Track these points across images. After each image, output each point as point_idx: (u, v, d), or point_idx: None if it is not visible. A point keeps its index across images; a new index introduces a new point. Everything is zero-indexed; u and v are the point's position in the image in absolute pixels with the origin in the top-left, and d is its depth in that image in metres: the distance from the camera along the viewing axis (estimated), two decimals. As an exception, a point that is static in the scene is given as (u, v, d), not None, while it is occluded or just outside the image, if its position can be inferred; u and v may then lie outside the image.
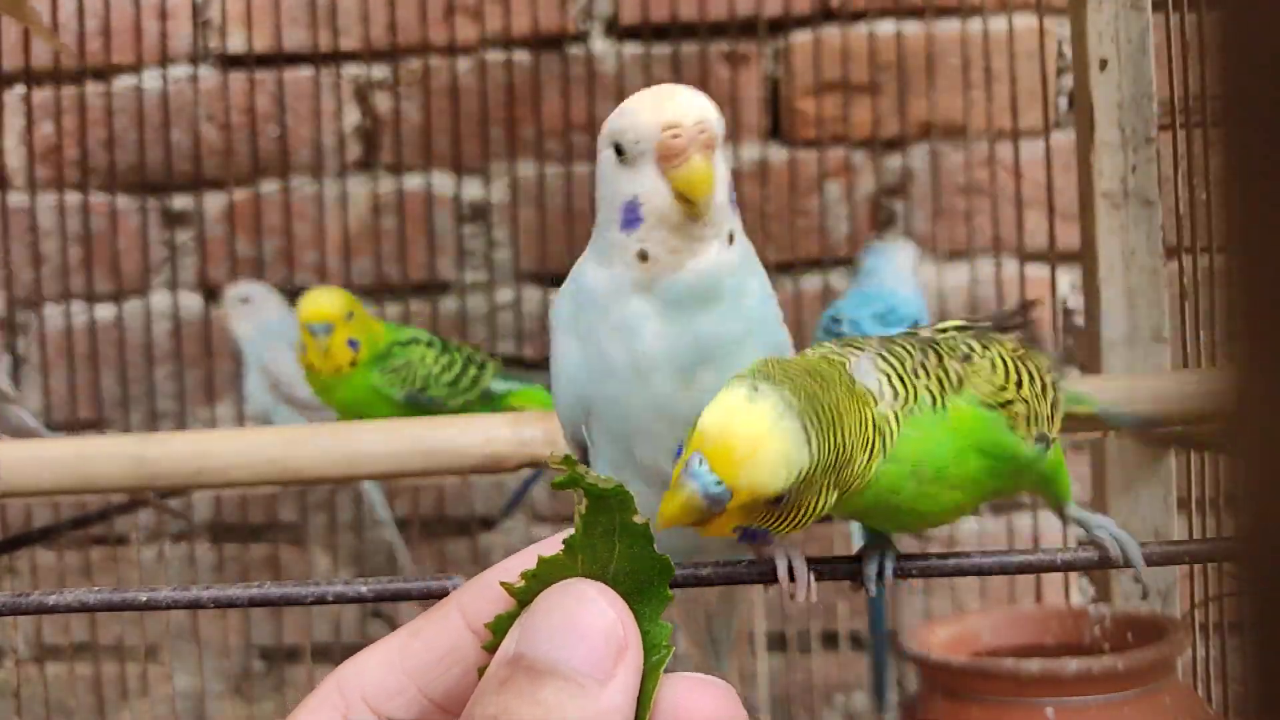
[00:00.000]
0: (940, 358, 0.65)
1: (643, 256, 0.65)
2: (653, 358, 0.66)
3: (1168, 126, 1.02)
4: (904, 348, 0.66)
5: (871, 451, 0.62)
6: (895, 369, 0.64)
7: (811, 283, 1.43)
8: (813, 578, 0.69)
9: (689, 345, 0.65)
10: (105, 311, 1.46)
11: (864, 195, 1.44)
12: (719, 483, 0.58)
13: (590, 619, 0.35)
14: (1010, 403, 0.66)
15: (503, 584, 0.37)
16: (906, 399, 0.64)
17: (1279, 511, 0.15)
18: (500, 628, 0.37)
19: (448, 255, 1.45)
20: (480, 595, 0.37)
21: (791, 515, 0.60)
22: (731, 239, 0.66)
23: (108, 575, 1.39)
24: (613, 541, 0.37)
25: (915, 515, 0.66)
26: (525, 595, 0.36)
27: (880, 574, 0.69)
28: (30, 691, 1.41)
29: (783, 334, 0.70)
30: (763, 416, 0.58)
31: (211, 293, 1.47)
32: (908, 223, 1.44)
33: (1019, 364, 0.68)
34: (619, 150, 0.65)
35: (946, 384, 0.65)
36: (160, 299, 1.46)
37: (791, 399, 0.59)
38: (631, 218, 0.65)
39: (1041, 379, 0.69)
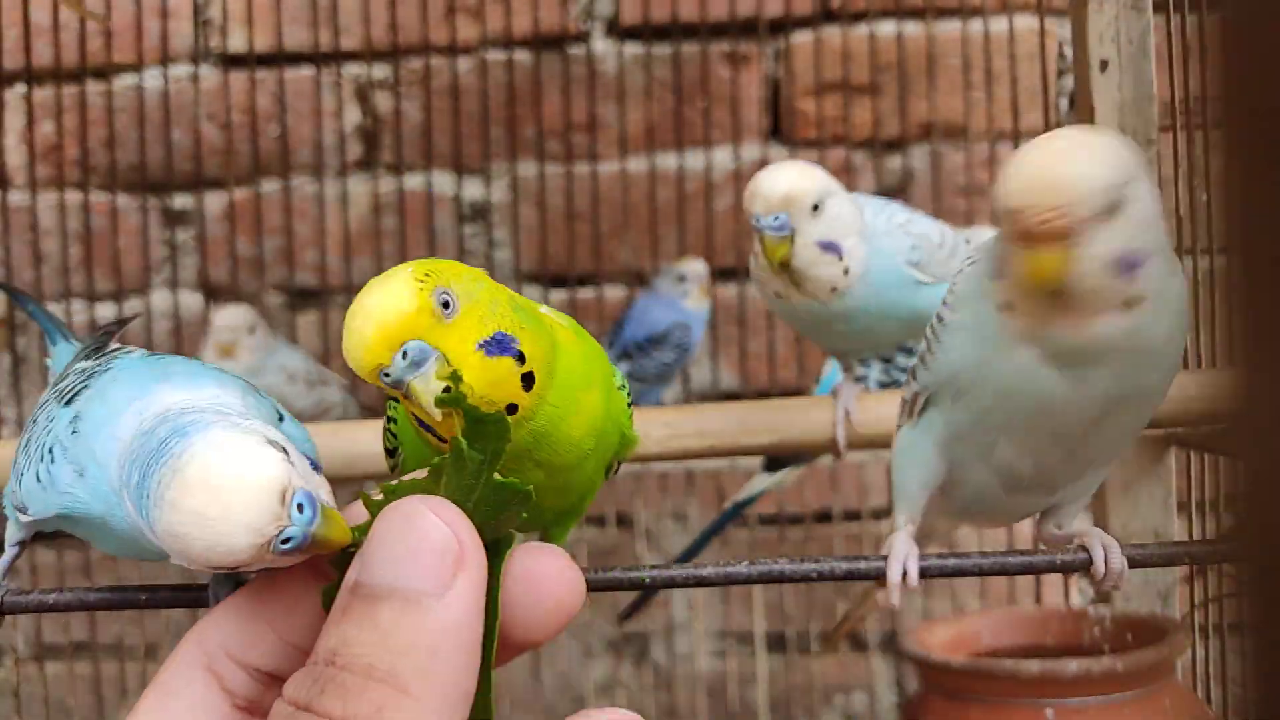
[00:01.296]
0: None
1: (1008, 307, 0.62)
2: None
3: (1168, 128, 1.02)
4: None
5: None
6: None
7: (812, 283, 1.43)
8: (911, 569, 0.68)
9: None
10: (106, 310, 1.46)
11: (864, 196, 1.44)
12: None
13: (422, 536, 0.35)
14: None
15: (360, 494, 0.37)
16: None
17: (1279, 511, 0.15)
18: (341, 563, 0.37)
19: (448, 255, 1.45)
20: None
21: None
22: (1131, 303, 0.60)
23: (108, 574, 1.39)
24: (480, 469, 0.37)
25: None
26: (379, 510, 0.37)
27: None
28: (30, 690, 1.41)
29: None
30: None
31: (212, 292, 1.47)
32: (908, 223, 1.44)
33: None
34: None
35: None
36: (161, 298, 1.46)
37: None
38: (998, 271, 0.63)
39: None
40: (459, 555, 0.35)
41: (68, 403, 0.64)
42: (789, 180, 0.91)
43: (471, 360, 0.48)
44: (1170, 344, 0.62)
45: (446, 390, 0.39)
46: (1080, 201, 0.57)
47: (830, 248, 0.92)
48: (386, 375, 0.48)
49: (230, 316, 1.28)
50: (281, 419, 0.62)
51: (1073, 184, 0.57)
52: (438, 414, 0.46)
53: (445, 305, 0.50)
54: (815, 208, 0.92)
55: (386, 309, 0.48)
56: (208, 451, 0.50)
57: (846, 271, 0.92)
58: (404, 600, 0.34)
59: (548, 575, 0.38)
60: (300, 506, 0.48)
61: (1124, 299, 0.59)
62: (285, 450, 0.51)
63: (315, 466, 0.52)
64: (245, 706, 0.38)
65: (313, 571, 0.38)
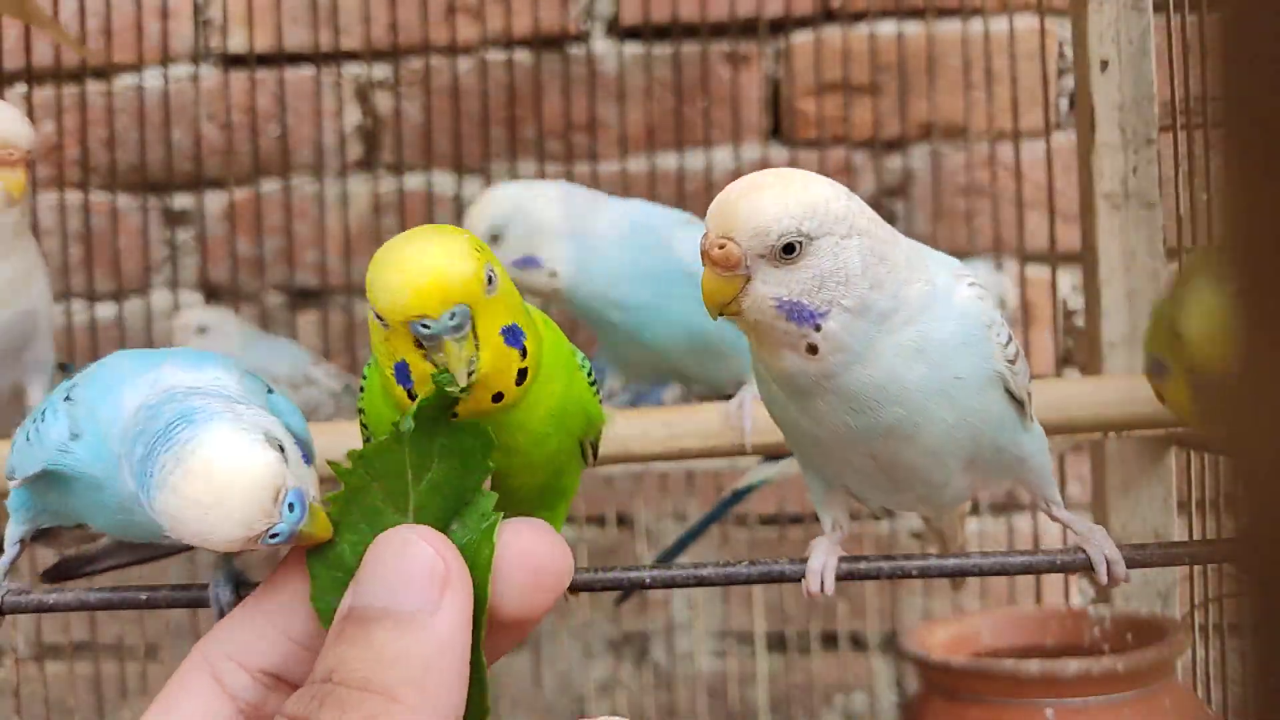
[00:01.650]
0: None
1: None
2: None
3: (1169, 128, 1.02)
4: None
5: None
6: None
7: (812, 283, 1.43)
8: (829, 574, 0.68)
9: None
10: (106, 310, 1.46)
11: (865, 196, 1.44)
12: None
13: (409, 559, 0.37)
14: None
15: (330, 463, 0.39)
16: None
17: (1279, 511, 0.15)
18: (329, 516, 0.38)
19: (448, 255, 1.45)
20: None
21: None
22: (813, 350, 0.60)
23: (108, 574, 1.39)
24: (442, 417, 0.38)
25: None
26: (349, 478, 0.38)
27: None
28: (30, 691, 1.41)
29: None
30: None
31: (213, 292, 1.47)
32: (908, 223, 1.44)
33: None
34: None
35: None
36: (161, 298, 1.46)
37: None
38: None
39: None
40: (445, 575, 0.37)
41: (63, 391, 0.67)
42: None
43: (494, 341, 0.50)
44: (907, 392, 0.61)
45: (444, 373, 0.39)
46: (751, 237, 0.57)
47: (529, 262, 0.99)
48: (425, 326, 0.49)
49: (183, 316, 1.29)
50: (270, 391, 0.65)
51: (749, 218, 0.57)
52: (464, 379, 0.47)
53: (489, 281, 0.52)
54: (494, 238, 0.99)
55: (450, 267, 0.50)
56: (212, 445, 0.54)
57: (553, 274, 0.99)
58: (396, 620, 0.36)
59: (535, 549, 0.40)
60: (291, 506, 0.51)
61: (804, 344, 0.59)
62: (282, 447, 0.54)
63: (305, 453, 0.55)
64: (248, 710, 0.39)
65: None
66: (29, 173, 1.01)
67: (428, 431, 0.39)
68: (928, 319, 0.61)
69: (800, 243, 0.57)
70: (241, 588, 0.71)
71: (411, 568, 0.37)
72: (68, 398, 0.66)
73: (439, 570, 0.37)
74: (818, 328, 0.58)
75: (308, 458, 0.55)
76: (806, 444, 0.67)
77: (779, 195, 0.57)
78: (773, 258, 0.57)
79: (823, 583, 0.67)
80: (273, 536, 0.52)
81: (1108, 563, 0.66)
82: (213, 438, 0.54)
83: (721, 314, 0.59)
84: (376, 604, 0.36)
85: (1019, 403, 0.65)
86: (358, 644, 0.36)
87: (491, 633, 0.39)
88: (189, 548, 0.79)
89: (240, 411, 0.56)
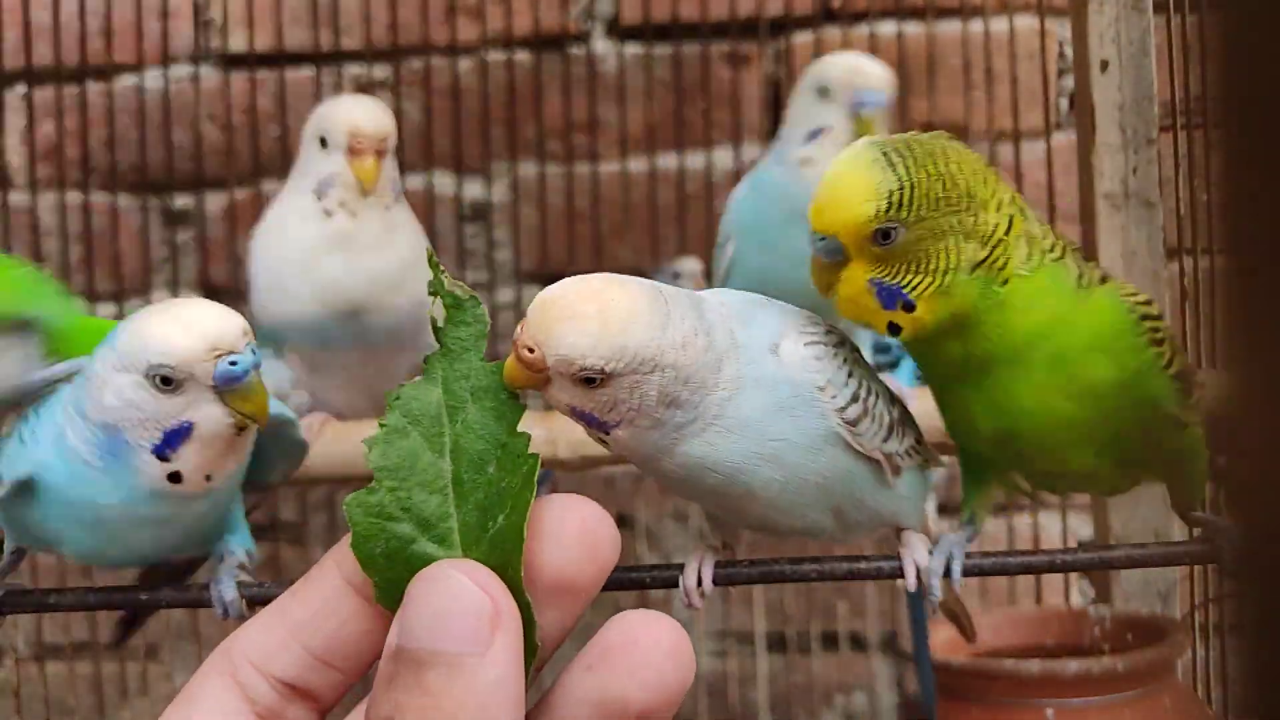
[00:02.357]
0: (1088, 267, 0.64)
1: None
2: None
3: (1169, 128, 1.02)
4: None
5: (1009, 222, 0.61)
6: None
7: (812, 283, 1.43)
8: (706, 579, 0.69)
9: None
10: (106, 311, 1.46)
11: (865, 196, 1.44)
12: (822, 237, 0.60)
13: (457, 599, 0.37)
14: (1157, 318, 0.65)
15: (388, 399, 0.39)
16: (1052, 246, 0.63)
17: (1279, 511, 0.15)
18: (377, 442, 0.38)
19: (449, 255, 1.45)
20: None
21: (920, 261, 0.59)
22: (605, 444, 0.63)
23: (108, 575, 1.39)
24: (469, 356, 0.38)
25: (1035, 438, 0.64)
26: (386, 420, 0.38)
27: (950, 565, 0.68)
28: (30, 691, 1.41)
29: None
30: (839, 163, 0.60)
31: (212, 292, 1.47)
32: (908, 223, 1.44)
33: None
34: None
35: (1090, 273, 0.64)
36: (161, 298, 1.46)
37: (877, 144, 0.61)
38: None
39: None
40: (494, 613, 0.37)
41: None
42: None
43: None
44: (720, 464, 0.62)
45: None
46: (557, 359, 0.58)
47: None
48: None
49: None
50: None
51: (558, 343, 0.58)
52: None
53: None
54: None
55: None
56: (178, 299, 0.61)
57: None
58: (448, 664, 0.36)
59: (581, 511, 0.40)
60: (254, 351, 0.55)
61: (598, 437, 0.62)
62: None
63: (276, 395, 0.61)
64: (267, 716, 0.39)
65: (340, 585, 0.39)
66: (380, 161, 1.03)
67: (458, 372, 0.38)
68: (732, 407, 0.62)
69: (599, 378, 0.59)
70: (242, 587, 0.71)
71: (457, 608, 0.37)
72: (52, 393, 0.67)
73: (486, 610, 0.36)
74: (608, 433, 0.61)
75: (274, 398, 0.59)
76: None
77: (593, 332, 0.58)
78: (573, 379, 0.59)
79: (700, 583, 0.68)
80: (232, 364, 0.56)
81: (917, 569, 0.68)
82: (184, 299, 0.61)
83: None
84: (425, 645, 0.36)
85: (875, 460, 0.66)
86: (413, 691, 0.36)
87: (539, 600, 0.38)
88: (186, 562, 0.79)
89: None
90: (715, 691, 1.42)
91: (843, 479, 0.65)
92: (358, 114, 1.03)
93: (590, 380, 0.58)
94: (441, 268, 0.38)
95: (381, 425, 0.38)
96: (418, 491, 0.38)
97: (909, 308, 0.60)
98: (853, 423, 0.64)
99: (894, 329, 0.61)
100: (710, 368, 0.61)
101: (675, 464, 0.62)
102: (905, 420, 0.69)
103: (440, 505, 0.38)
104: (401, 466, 0.39)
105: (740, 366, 0.62)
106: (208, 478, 0.63)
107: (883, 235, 0.59)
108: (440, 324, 0.38)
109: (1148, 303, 0.66)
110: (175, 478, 0.62)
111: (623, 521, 1.39)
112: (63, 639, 1.43)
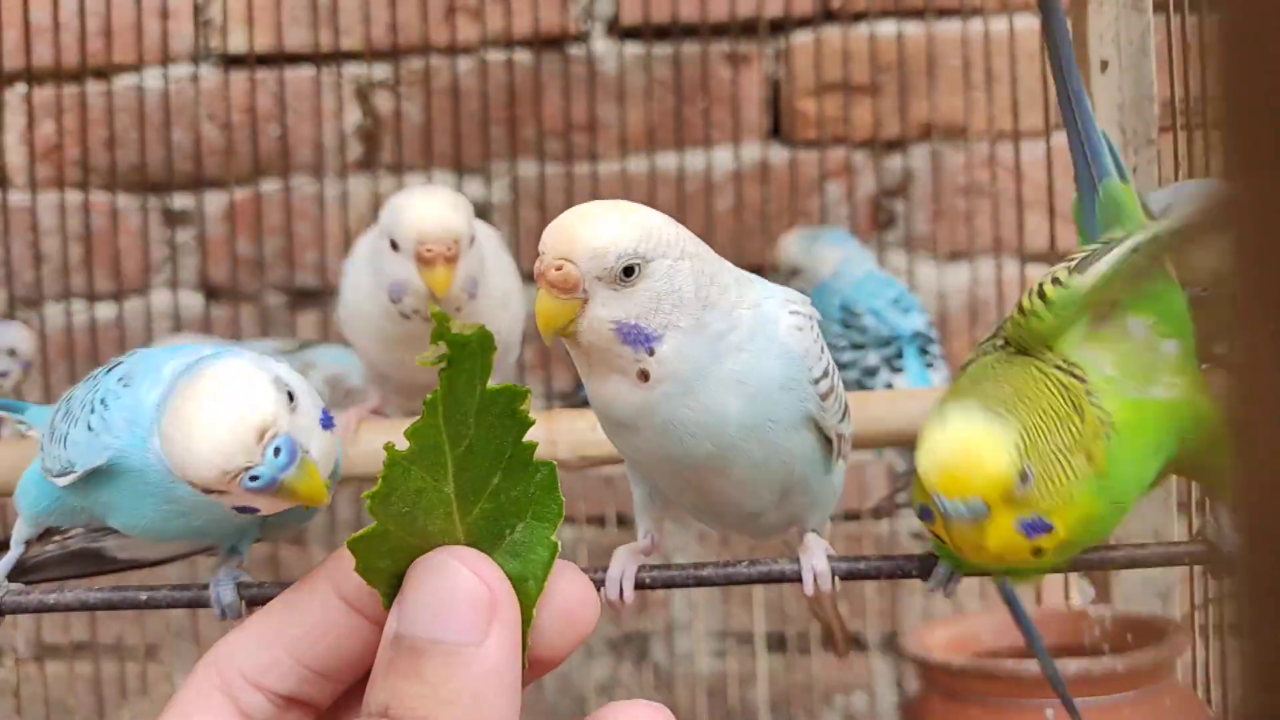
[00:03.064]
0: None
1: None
2: None
3: (1168, 128, 1.02)
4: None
5: (1085, 412, 0.64)
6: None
7: (812, 283, 1.43)
8: (832, 573, 0.70)
9: None
10: (106, 310, 1.46)
11: (865, 196, 1.44)
12: (968, 502, 0.61)
13: (455, 588, 0.37)
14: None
15: (386, 445, 0.38)
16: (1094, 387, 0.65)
17: (1279, 512, 0.15)
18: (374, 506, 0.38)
19: (448, 255, 1.45)
20: (349, 564, 0.38)
21: (1051, 488, 0.62)
22: (644, 376, 0.62)
23: (107, 575, 1.39)
24: (474, 384, 0.38)
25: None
26: (387, 470, 0.38)
27: (949, 579, 0.69)
28: (30, 691, 1.41)
29: None
30: (953, 428, 0.62)
31: (213, 292, 1.47)
32: (908, 223, 1.44)
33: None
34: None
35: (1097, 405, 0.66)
36: (161, 298, 1.46)
37: (970, 401, 0.63)
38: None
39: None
40: (491, 602, 0.37)
41: (109, 370, 0.65)
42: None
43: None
44: (725, 427, 0.63)
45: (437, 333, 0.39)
46: (590, 259, 0.59)
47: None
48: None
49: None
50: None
51: (589, 240, 0.59)
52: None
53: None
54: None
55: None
56: (217, 374, 0.55)
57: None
58: (445, 653, 0.36)
59: (572, 596, 0.39)
60: (278, 450, 0.50)
61: (637, 370, 0.61)
62: (291, 395, 0.52)
63: (326, 417, 0.54)
64: None
65: (334, 601, 0.39)
66: (452, 266, 0.91)
67: (459, 402, 0.38)
68: (755, 349, 0.63)
69: (638, 265, 0.59)
70: (242, 588, 0.71)
71: (455, 597, 0.37)
72: (125, 385, 0.64)
73: (484, 598, 0.37)
74: (652, 351, 0.60)
75: (329, 423, 0.54)
76: (629, 460, 0.70)
77: (615, 219, 0.60)
78: (610, 280, 0.59)
79: (621, 590, 0.69)
80: (252, 479, 0.51)
81: (815, 574, 0.69)
82: (217, 368, 0.55)
83: (557, 336, 0.61)
84: (423, 634, 0.36)
85: (829, 442, 0.68)
86: (410, 678, 0.36)
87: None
88: (160, 561, 0.78)
89: (261, 359, 0.56)
90: (715, 691, 1.42)
91: (805, 461, 0.67)
92: (428, 220, 0.92)
93: (629, 272, 0.59)
94: (446, 317, 0.38)
95: (382, 477, 0.38)
96: (423, 517, 0.38)
97: (1049, 530, 0.63)
98: (824, 396, 0.66)
99: (1038, 553, 0.64)
100: (731, 286, 0.63)
101: (681, 418, 0.62)
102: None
103: (444, 522, 0.39)
104: (405, 504, 0.38)
105: (756, 309, 0.64)
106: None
107: (1022, 483, 0.62)
108: (445, 366, 0.38)
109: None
110: (251, 511, 0.61)
111: (622, 521, 1.39)
112: (63, 639, 1.43)
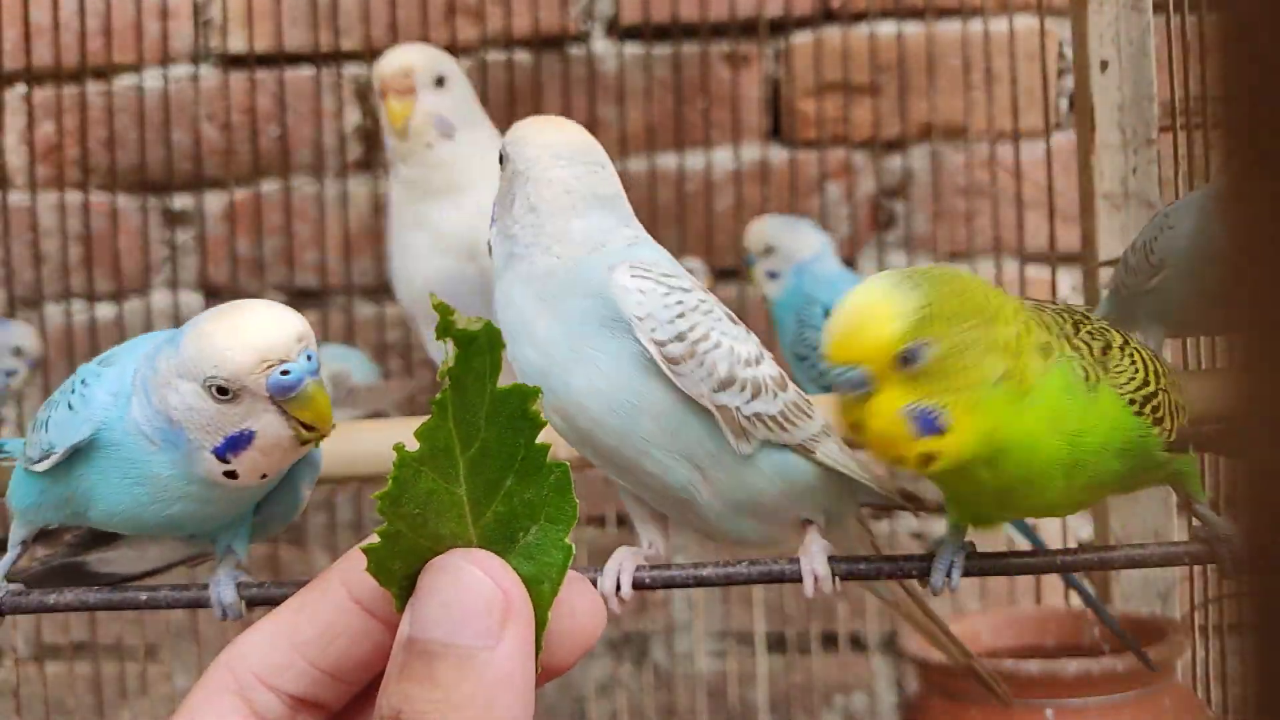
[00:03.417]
0: (1088, 343, 0.64)
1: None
2: None
3: (1168, 128, 1.02)
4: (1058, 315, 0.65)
5: (1024, 329, 0.61)
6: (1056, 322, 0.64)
7: (812, 283, 1.43)
8: (831, 574, 0.70)
9: None
10: (106, 310, 1.46)
11: (864, 196, 1.44)
12: (849, 368, 0.59)
13: (468, 591, 0.37)
14: (1153, 397, 0.64)
15: (396, 446, 0.38)
16: (1060, 346, 0.63)
17: (1278, 512, 0.15)
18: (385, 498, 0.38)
19: (448, 255, 1.45)
20: (360, 565, 0.38)
21: (949, 381, 0.59)
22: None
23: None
24: (484, 383, 0.37)
25: (1029, 501, 0.66)
26: (396, 472, 0.37)
27: (950, 572, 0.68)
28: (30, 691, 1.41)
29: None
30: (856, 293, 0.61)
31: (212, 292, 1.47)
32: (908, 224, 1.44)
33: (1153, 357, 0.66)
34: None
35: (1094, 367, 0.63)
36: (161, 298, 1.46)
37: (891, 273, 0.62)
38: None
39: (1171, 372, 0.67)
40: (505, 605, 0.36)
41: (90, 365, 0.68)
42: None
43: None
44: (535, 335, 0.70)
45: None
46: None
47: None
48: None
49: None
50: None
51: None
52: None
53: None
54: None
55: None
56: (245, 302, 0.60)
57: None
58: (459, 656, 0.36)
59: (578, 607, 0.39)
60: (309, 357, 0.54)
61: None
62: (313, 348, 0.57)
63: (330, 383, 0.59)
64: None
65: (348, 603, 0.39)
66: (408, 98, 1.01)
67: (469, 403, 0.38)
68: (562, 269, 0.70)
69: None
70: (242, 588, 0.71)
71: (468, 600, 0.36)
72: (104, 364, 0.66)
73: (497, 601, 0.36)
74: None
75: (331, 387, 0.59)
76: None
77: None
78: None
79: (619, 585, 0.69)
80: (284, 373, 0.54)
81: (815, 577, 0.70)
82: (247, 301, 0.60)
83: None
84: (436, 637, 0.36)
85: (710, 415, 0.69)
86: (423, 682, 0.36)
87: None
88: (141, 575, 0.79)
89: None
90: (715, 691, 1.42)
91: (672, 416, 0.68)
92: (384, 59, 1.02)
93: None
94: (449, 309, 0.37)
95: (392, 478, 0.38)
96: (434, 520, 0.38)
97: (941, 432, 0.59)
98: (673, 360, 0.67)
99: (927, 460, 0.60)
100: (568, 232, 0.70)
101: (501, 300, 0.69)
102: (800, 410, 0.71)
103: (456, 524, 0.38)
104: (416, 506, 0.38)
105: (584, 258, 0.69)
106: (263, 476, 0.63)
107: (910, 358, 0.58)
108: (451, 364, 0.38)
109: (1146, 379, 0.65)
110: (231, 475, 0.62)
111: (622, 521, 1.39)
112: (62, 639, 1.43)
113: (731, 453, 0.69)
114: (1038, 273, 1.37)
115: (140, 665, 1.42)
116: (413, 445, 0.38)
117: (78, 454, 0.65)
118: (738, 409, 0.68)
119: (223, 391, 0.59)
